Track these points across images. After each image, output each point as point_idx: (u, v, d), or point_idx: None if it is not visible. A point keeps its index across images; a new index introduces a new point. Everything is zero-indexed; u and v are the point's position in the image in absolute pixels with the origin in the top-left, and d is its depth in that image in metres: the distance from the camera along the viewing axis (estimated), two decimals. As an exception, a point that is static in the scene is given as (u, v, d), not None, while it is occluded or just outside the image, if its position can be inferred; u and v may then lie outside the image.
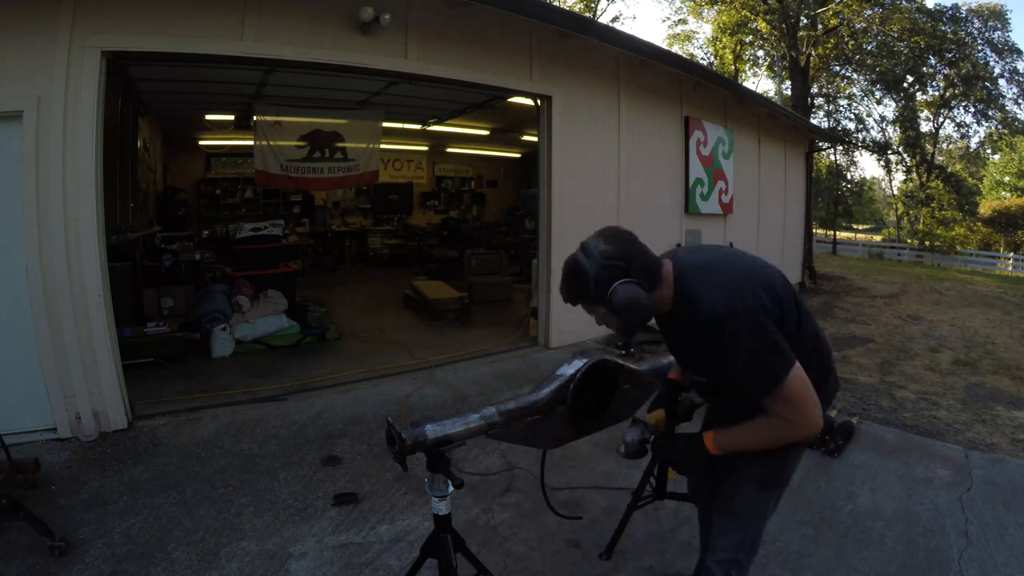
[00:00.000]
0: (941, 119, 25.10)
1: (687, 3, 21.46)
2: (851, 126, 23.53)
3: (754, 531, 1.71)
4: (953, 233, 24.07)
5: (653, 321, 1.67)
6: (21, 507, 2.40)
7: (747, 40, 20.23)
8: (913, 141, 23.67)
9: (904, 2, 17.95)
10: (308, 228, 11.29)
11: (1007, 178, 28.00)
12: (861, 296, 11.41)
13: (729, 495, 1.71)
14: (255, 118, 7.29)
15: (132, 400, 3.78)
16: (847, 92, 22.64)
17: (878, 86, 21.24)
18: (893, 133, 24.32)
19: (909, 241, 26.89)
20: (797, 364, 1.45)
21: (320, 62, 4.34)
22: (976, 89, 21.37)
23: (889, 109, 35.04)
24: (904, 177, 27.31)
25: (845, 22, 17.44)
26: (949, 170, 25.84)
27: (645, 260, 1.56)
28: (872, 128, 24.09)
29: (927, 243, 24.39)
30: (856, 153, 26.76)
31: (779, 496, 1.73)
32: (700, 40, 23.71)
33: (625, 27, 23.66)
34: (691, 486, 2.13)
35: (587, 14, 19.91)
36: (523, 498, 3.03)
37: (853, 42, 18.74)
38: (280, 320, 5.83)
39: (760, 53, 21.44)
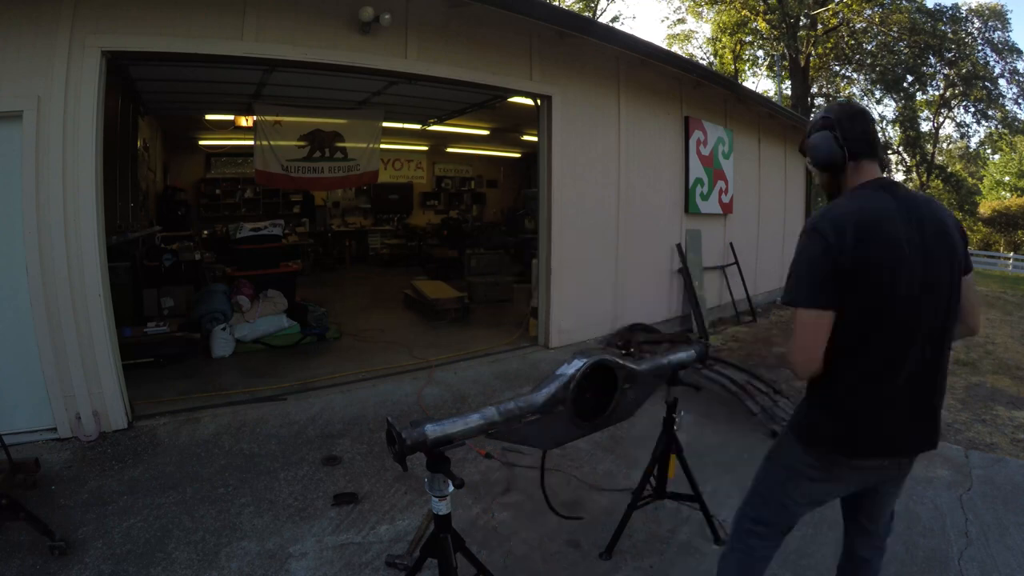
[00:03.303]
0: (941, 119, 25.12)
1: (687, 3, 21.46)
2: (851, 126, 23.49)
3: (758, 488, 1.80)
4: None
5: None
6: (21, 507, 2.40)
7: (747, 40, 20.23)
8: (913, 141, 23.67)
9: (904, 2, 17.94)
10: (308, 228, 11.29)
11: (1007, 178, 28.01)
12: (861, 296, 11.39)
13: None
14: (255, 118, 7.29)
15: (132, 400, 3.78)
16: (847, 92, 22.63)
17: (878, 86, 21.23)
18: (893, 133, 24.33)
19: (909, 241, 26.84)
20: (816, 309, 1.47)
21: (320, 62, 4.34)
22: (976, 89, 21.35)
23: (889, 109, 34.95)
24: (904, 177, 27.30)
25: (845, 22, 17.44)
26: (949, 170, 25.85)
27: (860, 139, 1.57)
28: (872, 128, 24.07)
29: (927, 243, 24.34)
30: (856, 153, 26.72)
31: (787, 481, 1.70)
32: (700, 40, 23.72)
33: (625, 27, 23.66)
34: None
35: (587, 14, 19.91)
36: (523, 498, 3.03)
37: (853, 42, 18.73)
38: (280, 320, 5.83)
39: (760, 53, 21.44)
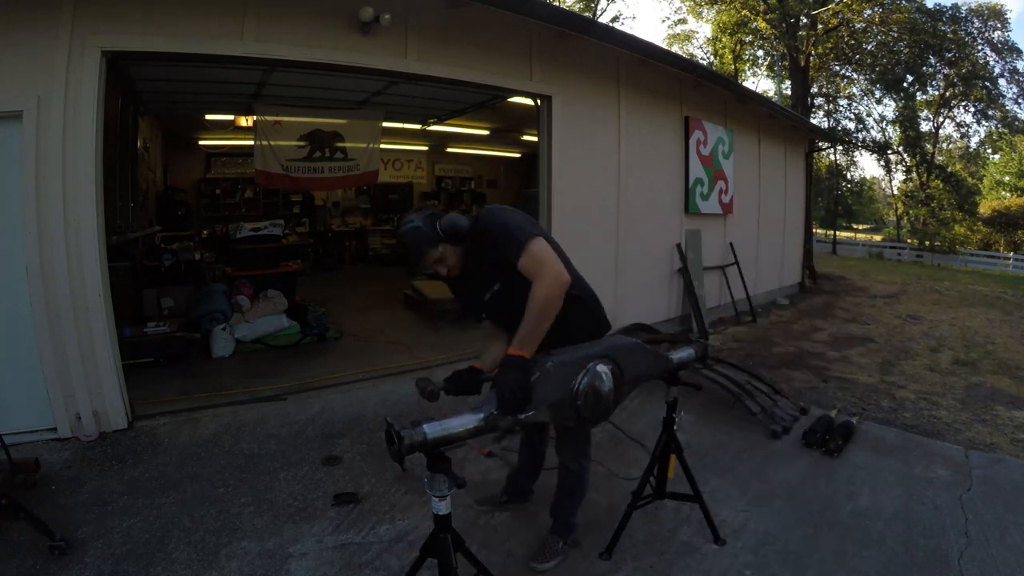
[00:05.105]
0: (941, 119, 25.12)
1: (687, 3, 21.42)
2: (851, 126, 23.51)
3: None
4: (953, 233, 24.09)
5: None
6: (21, 507, 2.40)
7: (747, 40, 20.22)
8: (913, 141, 23.65)
9: (904, 2, 17.93)
10: (308, 228, 11.29)
11: (1007, 178, 28.04)
12: (861, 296, 11.41)
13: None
14: (255, 118, 7.29)
15: (132, 400, 3.78)
16: (847, 92, 22.62)
17: (878, 86, 21.22)
18: (893, 133, 24.33)
19: (909, 241, 26.91)
20: (541, 237, 1.95)
21: (320, 62, 4.33)
22: (976, 89, 21.35)
23: (889, 109, 35.08)
24: (904, 177, 27.33)
25: (845, 22, 17.43)
26: (949, 170, 25.83)
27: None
28: (872, 128, 24.08)
29: (927, 243, 24.40)
30: (856, 153, 26.78)
31: None
32: (700, 40, 23.73)
33: (625, 27, 23.62)
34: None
35: (587, 14, 19.91)
36: (523, 498, 3.03)
37: (853, 41, 18.72)
38: (280, 320, 5.83)
39: (760, 53, 21.41)
